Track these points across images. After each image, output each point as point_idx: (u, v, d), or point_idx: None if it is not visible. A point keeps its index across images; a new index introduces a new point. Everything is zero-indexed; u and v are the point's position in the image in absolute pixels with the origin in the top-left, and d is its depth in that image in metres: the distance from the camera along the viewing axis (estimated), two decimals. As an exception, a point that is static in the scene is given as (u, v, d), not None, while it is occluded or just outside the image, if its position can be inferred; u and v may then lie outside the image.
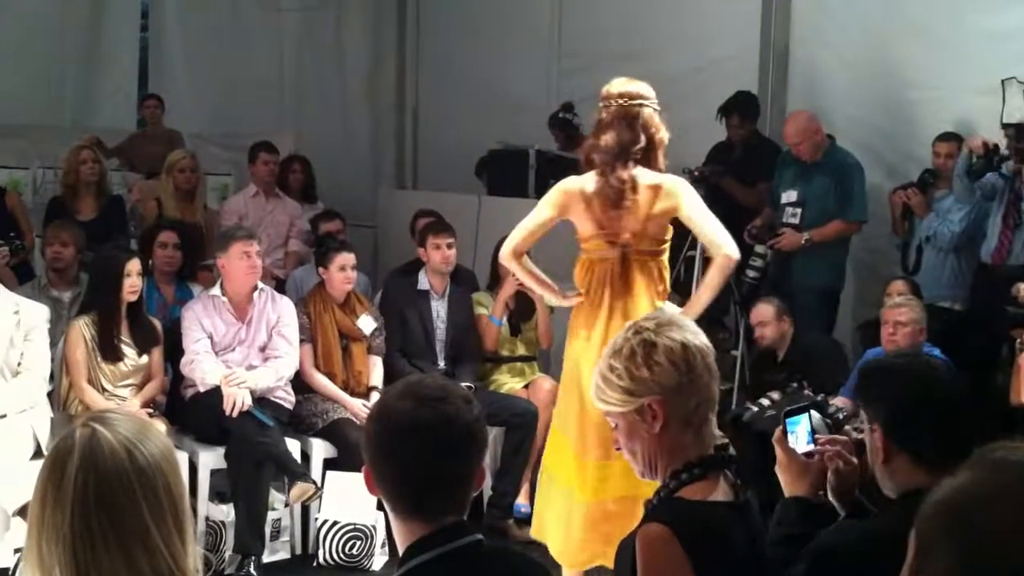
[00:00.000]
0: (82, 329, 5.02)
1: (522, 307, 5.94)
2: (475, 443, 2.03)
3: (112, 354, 5.03)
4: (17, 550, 4.19)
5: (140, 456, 1.72)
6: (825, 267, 6.02)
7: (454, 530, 2.00)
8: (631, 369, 2.22)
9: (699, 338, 2.27)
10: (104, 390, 5.02)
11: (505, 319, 5.93)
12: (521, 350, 6.05)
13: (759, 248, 6.05)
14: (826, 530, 2.27)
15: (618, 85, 4.18)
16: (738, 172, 6.64)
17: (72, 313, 5.40)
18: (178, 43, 9.15)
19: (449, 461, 1.99)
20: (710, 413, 2.26)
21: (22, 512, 4.18)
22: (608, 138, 4.11)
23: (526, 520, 5.16)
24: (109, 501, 1.67)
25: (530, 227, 4.23)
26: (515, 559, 2.21)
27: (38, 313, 4.93)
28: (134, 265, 5.10)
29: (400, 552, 2.04)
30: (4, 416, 4.69)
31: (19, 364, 4.84)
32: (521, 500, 5.62)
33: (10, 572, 4.18)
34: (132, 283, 5.06)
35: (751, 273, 6.01)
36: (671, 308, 4.02)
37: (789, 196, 6.12)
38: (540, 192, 6.95)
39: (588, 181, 4.18)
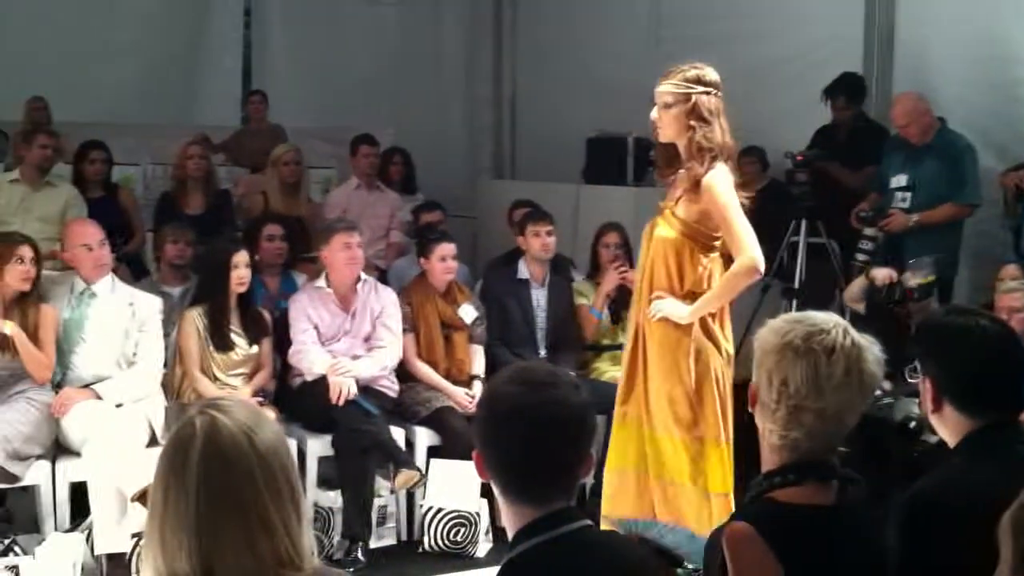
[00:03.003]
0: (195, 319, 5.14)
1: (624, 296, 5.92)
2: (583, 429, 2.04)
3: (223, 344, 5.14)
4: (135, 535, 4.32)
5: (258, 441, 1.75)
6: (937, 252, 5.86)
7: (563, 515, 2.01)
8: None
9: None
10: (216, 379, 5.14)
11: (606, 308, 5.91)
12: (622, 338, 6.02)
13: (868, 231, 5.91)
14: (917, 483, 2.35)
15: (716, 73, 3.97)
16: (843, 155, 6.51)
17: (181, 308, 5.52)
18: (280, 39, 9.32)
19: (557, 446, 2.00)
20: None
21: (139, 498, 4.31)
22: (728, 134, 3.91)
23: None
24: (232, 486, 1.71)
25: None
26: (623, 546, 2.21)
27: (151, 305, 5.08)
28: (241, 257, 5.19)
29: (509, 536, 2.05)
30: (120, 405, 4.83)
31: (134, 355, 4.99)
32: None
33: (127, 556, 4.32)
34: (240, 275, 5.16)
35: (861, 257, 5.87)
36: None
37: (899, 180, 5.97)
38: (638, 180, 6.95)
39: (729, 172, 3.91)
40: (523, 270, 5.92)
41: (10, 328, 4.65)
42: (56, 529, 4.58)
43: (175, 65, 9.00)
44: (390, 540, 5.21)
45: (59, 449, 4.78)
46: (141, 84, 8.75)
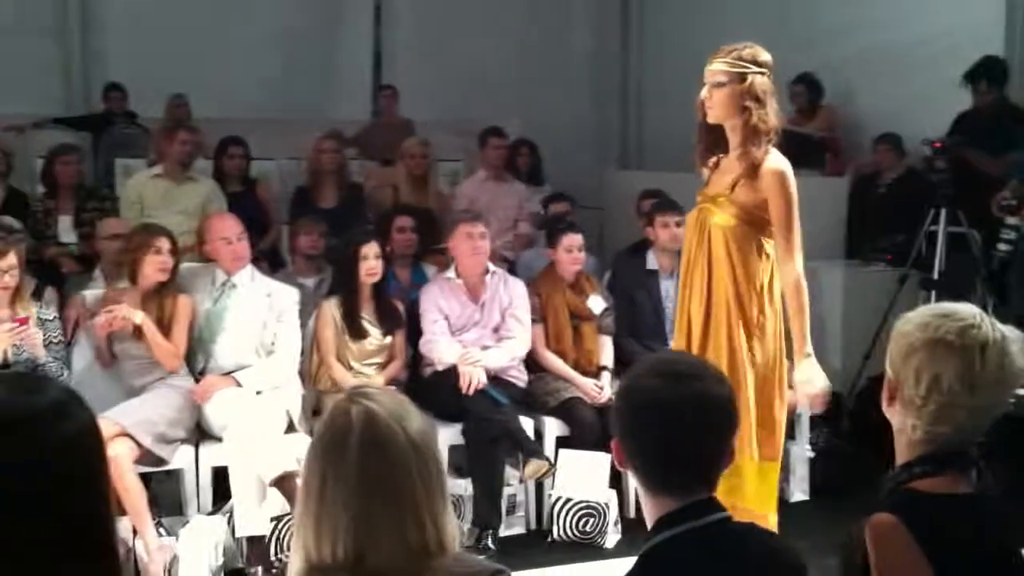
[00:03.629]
0: (330, 309, 5.26)
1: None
2: (725, 420, 2.03)
3: (358, 333, 5.24)
4: (274, 518, 4.45)
5: (412, 430, 1.77)
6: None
7: (703, 506, 2.01)
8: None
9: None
10: (351, 367, 5.25)
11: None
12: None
13: (1011, 220, 5.70)
14: None
15: (768, 54, 3.72)
16: (984, 142, 6.29)
17: (317, 298, 5.66)
18: (409, 35, 9.49)
19: (698, 438, 1.99)
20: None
21: (278, 483, 4.42)
22: (778, 117, 3.68)
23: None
24: (388, 474, 1.73)
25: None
26: (764, 537, 2.18)
27: (289, 296, 5.20)
28: (371, 248, 5.27)
29: (649, 526, 2.05)
30: (260, 392, 4.97)
31: (272, 344, 5.12)
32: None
33: (267, 539, 4.45)
34: (370, 266, 5.25)
35: (1002, 247, 5.67)
36: None
37: (1040, 167, 5.77)
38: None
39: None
40: (652, 261, 5.88)
41: (140, 318, 4.80)
42: (199, 512, 4.74)
43: (309, 62, 9.24)
44: (519, 529, 5.24)
45: (201, 434, 4.94)
46: (276, 80, 9.01)
